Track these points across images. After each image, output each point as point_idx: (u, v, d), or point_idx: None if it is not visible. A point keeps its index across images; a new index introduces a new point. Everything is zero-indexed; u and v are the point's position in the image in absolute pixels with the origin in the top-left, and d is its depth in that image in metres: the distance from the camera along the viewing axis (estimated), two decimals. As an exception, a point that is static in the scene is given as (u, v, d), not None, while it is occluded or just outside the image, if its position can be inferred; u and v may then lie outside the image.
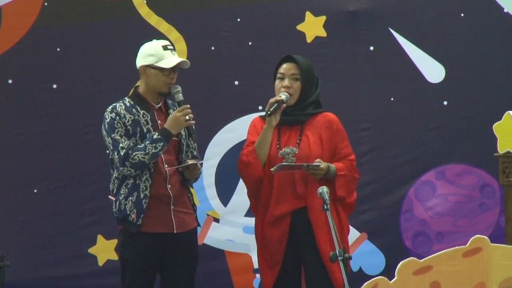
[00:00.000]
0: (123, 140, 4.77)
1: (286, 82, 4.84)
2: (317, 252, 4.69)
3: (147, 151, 4.72)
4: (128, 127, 4.80)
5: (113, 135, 4.80)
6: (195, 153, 4.98)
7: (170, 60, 4.80)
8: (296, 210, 4.77)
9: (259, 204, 4.88)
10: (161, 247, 4.79)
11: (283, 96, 4.78)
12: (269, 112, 4.73)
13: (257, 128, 4.91)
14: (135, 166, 4.74)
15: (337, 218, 4.78)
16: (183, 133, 4.88)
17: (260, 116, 4.98)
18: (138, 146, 4.75)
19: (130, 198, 4.78)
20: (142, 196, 4.76)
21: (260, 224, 4.84)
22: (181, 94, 4.79)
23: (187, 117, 4.73)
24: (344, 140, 4.89)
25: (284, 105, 4.76)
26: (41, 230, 6.33)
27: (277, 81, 4.89)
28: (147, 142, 4.73)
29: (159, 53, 4.83)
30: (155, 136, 4.73)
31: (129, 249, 4.84)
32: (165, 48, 4.84)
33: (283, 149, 4.81)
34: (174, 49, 4.86)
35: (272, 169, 4.70)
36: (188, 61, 4.84)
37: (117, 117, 4.81)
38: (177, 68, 4.84)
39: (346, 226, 4.87)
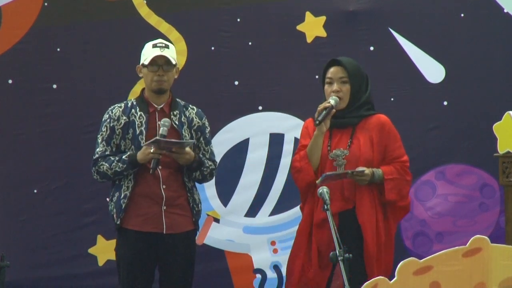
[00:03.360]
0: (101, 145, 4.80)
1: (335, 86, 4.83)
2: (360, 251, 4.67)
3: (111, 167, 4.75)
4: (119, 130, 4.79)
5: (98, 136, 4.85)
6: (207, 156, 4.95)
7: (151, 55, 4.77)
8: (343, 212, 4.76)
9: (305, 207, 4.87)
10: (153, 247, 4.78)
11: (332, 101, 4.76)
12: (318, 122, 4.70)
13: (309, 131, 4.89)
14: (100, 174, 4.81)
15: (382, 222, 4.78)
16: (186, 135, 4.85)
17: (313, 118, 4.97)
18: (110, 157, 4.76)
19: (113, 198, 4.82)
20: (122, 196, 4.78)
21: (311, 226, 4.81)
22: (165, 129, 4.72)
23: (151, 151, 4.66)
24: (396, 142, 4.88)
25: (334, 110, 4.74)
26: (41, 230, 6.32)
27: (326, 86, 4.88)
28: (116, 159, 4.75)
29: (147, 52, 4.82)
30: (123, 157, 4.74)
31: (121, 248, 4.85)
32: (154, 46, 4.82)
33: (333, 151, 4.80)
34: (165, 46, 4.81)
35: (317, 181, 4.69)
36: (166, 55, 4.77)
37: (108, 119, 4.83)
38: (167, 64, 4.78)
39: (394, 230, 4.87)
